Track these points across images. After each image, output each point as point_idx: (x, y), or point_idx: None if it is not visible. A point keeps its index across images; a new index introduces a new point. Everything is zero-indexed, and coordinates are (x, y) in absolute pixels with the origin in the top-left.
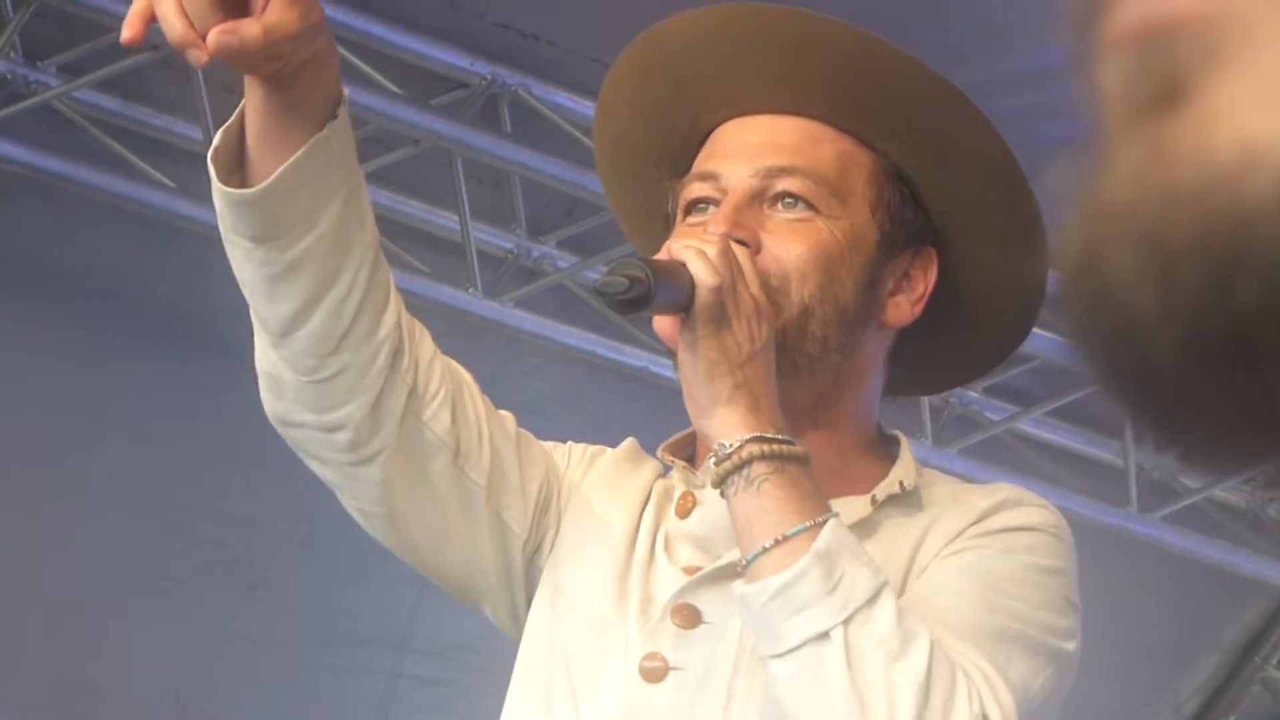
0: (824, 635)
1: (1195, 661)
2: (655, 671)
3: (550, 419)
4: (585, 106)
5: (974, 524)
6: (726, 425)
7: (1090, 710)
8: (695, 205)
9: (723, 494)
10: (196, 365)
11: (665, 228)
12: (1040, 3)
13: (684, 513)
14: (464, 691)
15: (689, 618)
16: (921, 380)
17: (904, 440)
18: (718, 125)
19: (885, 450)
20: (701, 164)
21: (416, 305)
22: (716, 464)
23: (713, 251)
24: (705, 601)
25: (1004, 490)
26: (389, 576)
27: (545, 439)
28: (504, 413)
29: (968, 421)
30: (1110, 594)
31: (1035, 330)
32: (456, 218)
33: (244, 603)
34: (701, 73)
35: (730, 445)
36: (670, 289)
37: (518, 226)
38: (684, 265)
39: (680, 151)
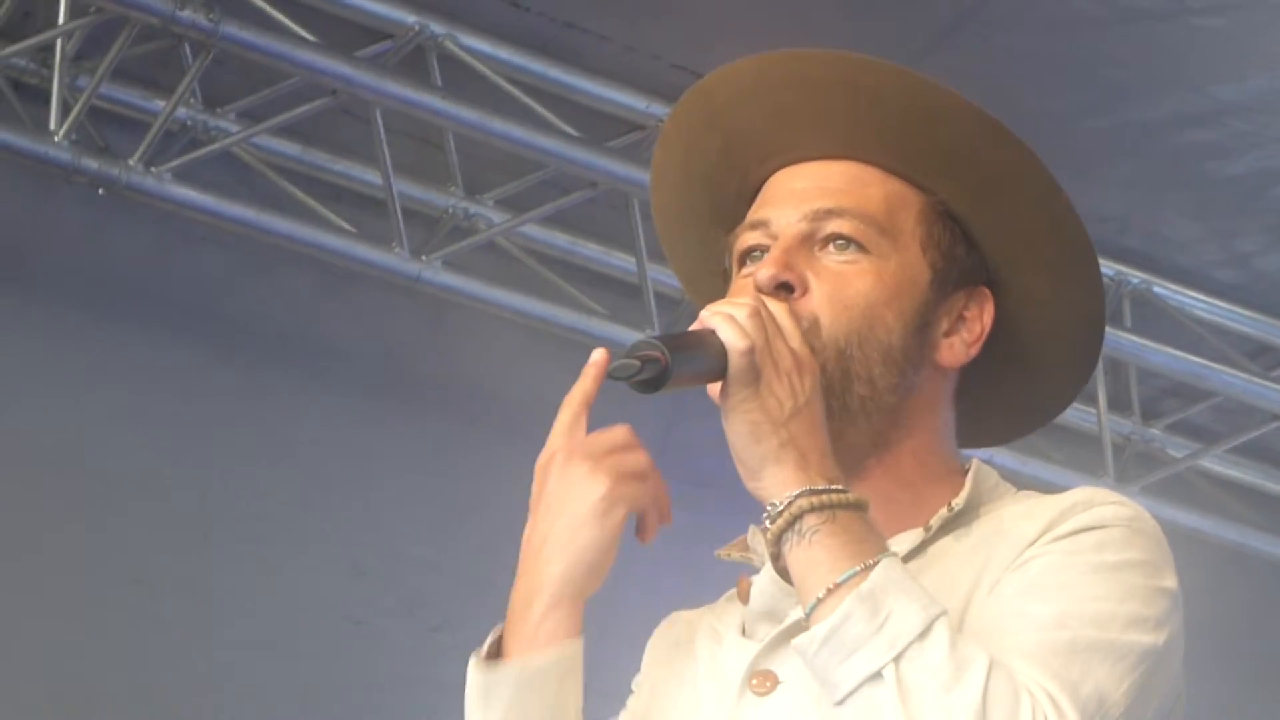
0: (877, 675)
1: None
2: None
3: (724, 459)
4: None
5: (1043, 534)
6: (776, 484)
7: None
8: (750, 254)
9: (780, 554)
10: (377, 409)
11: (725, 283)
12: (1215, 41)
13: (745, 597)
14: None
15: (765, 684)
16: (994, 426)
17: (975, 464)
18: (768, 176)
19: (958, 480)
20: (753, 213)
21: (594, 347)
22: (770, 523)
23: (742, 315)
24: (779, 664)
25: (1076, 494)
26: None
27: (716, 482)
28: None
29: (1149, 459)
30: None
31: (1216, 367)
32: (633, 259)
33: (426, 645)
34: (747, 126)
35: (780, 504)
36: (700, 358)
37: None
38: (714, 332)
39: (736, 208)
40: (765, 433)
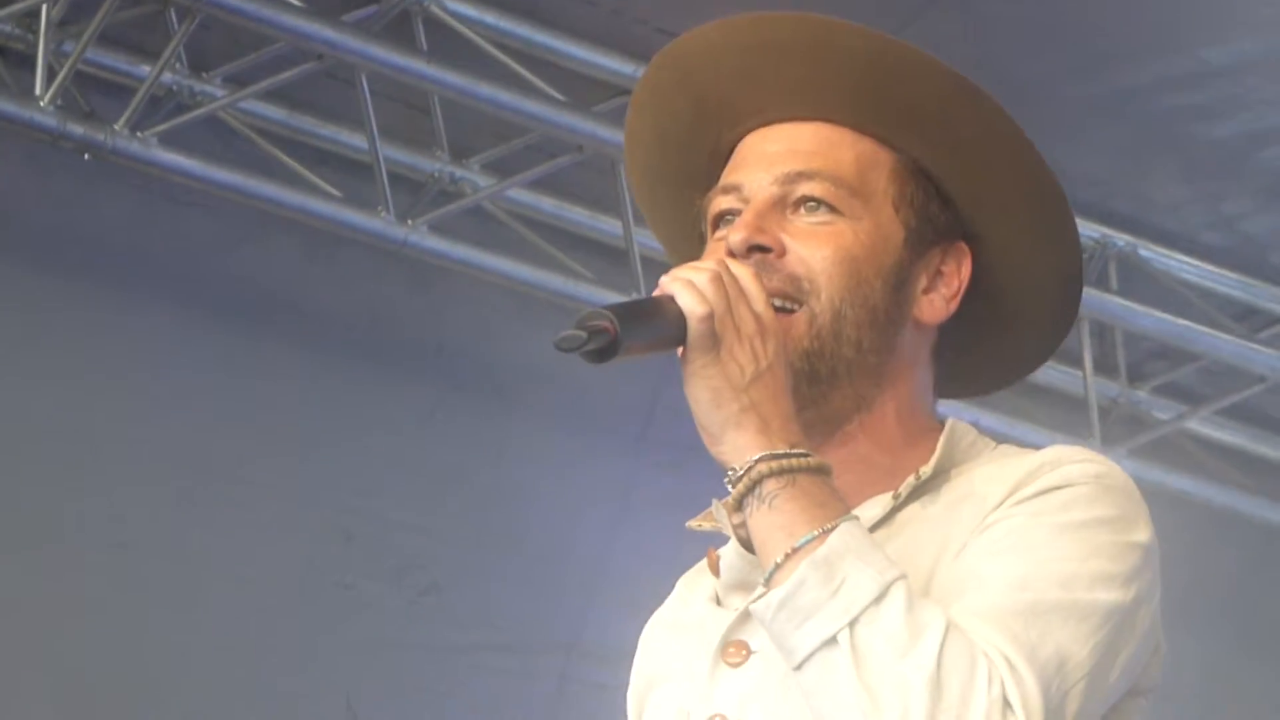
0: (831, 640)
1: None
2: None
3: None
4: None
5: (1009, 495)
6: (736, 449)
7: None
8: (722, 218)
9: (743, 520)
10: (363, 373)
11: (701, 246)
12: (1201, 4)
13: (716, 570)
14: None
15: (739, 653)
16: (972, 381)
17: (950, 424)
18: (740, 139)
19: (934, 441)
20: (725, 177)
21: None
22: (731, 487)
23: (702, 280)
24: (751, 634)
25: (1045, 454)
26: (558, 581)
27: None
28: None
29: (1136, 421)
30: (1260, 587)
31: (1202, 329)
32: (619, 223)
33: (415, 609)
34: (717, 90)
35: (740, 469)
36: (655, 324)
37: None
38: (673, 299)
39: (709, 171)
40: (726, 398)
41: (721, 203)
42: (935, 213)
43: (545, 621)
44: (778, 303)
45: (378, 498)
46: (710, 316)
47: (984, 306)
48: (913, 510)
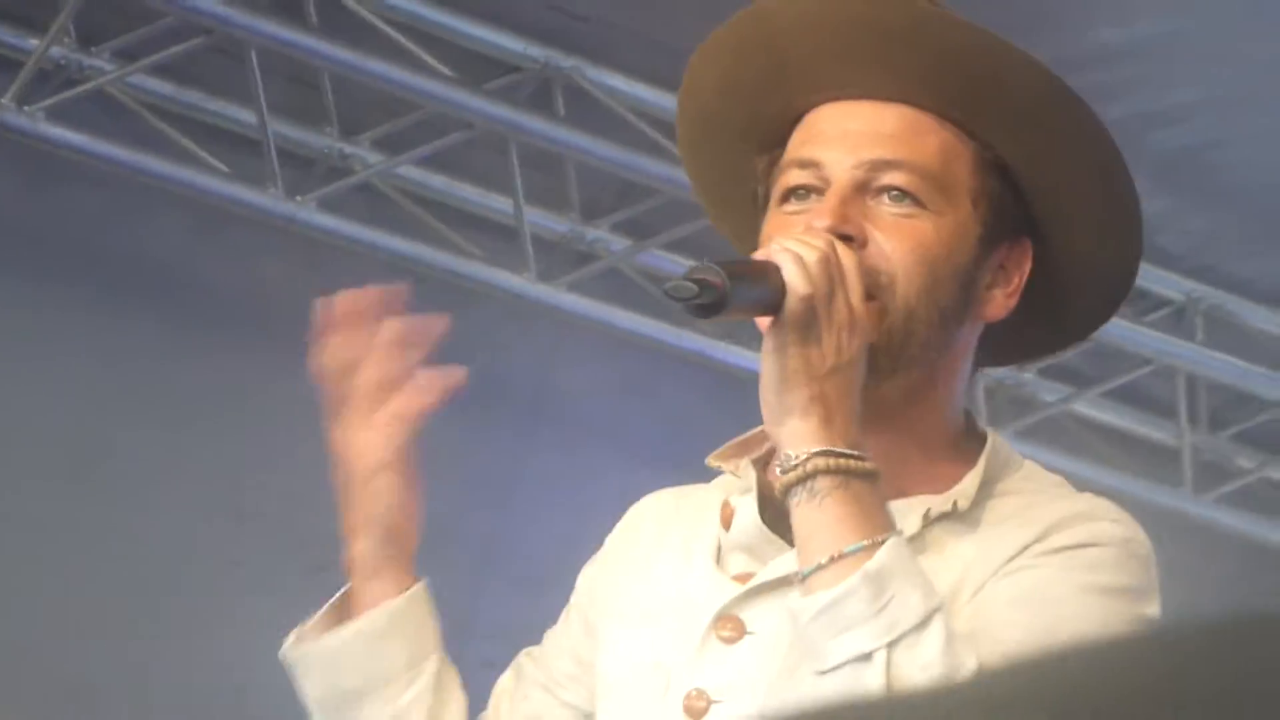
0: (866, 656)
1: None
2: (697, 711)
3: (605, 403)
4: (638, 89)
5: (1037, 540)
6: (796, 436)
7: None
8: (794, 192)
9: (787, 504)
10: (253, 349)
11: (752, 205)
12: None
13: (727, 523)
14: None
15: (733, 631)
16: (996, 359)
17: (991, 439)
18: (813, 106)
19: (972, 447)
20: (800, 149)
21: (471, 289)
22: (782, 473)
23: (812, 258)
24: (750, 613)
25: (1079, 502)
26: (448, 560)
27: (601, 428)
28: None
29: (1022, 403)
30: (1164, 577)
31: None
32: (511, 201)
33: (307, 588)
34: (806, 56)
35: (797, 456)
36: (758, 290)
37: (571, 210)
38: (779, 269)
39: (773, 128)
40: (800, 382)
41: (797, 176)
42: (1009, 208)
43: (436, 600)
44: None
45: (269, 475)
46: (811, 298)
47: (1032, 300)
48: (940, 531)
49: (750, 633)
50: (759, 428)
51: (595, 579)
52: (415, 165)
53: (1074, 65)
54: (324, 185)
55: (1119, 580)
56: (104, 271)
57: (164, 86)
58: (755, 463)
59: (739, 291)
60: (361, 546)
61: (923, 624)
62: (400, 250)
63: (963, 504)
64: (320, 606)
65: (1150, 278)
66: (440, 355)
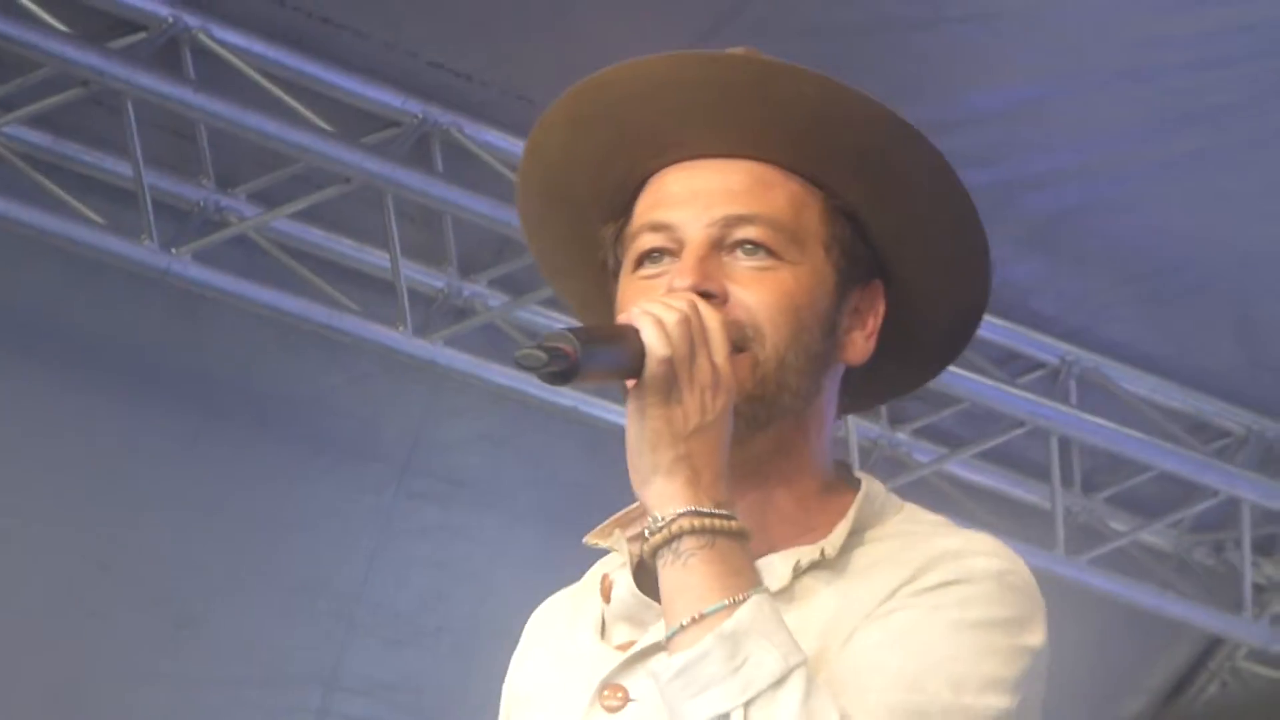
0: (724, 717)
1: (1121, 705)
2: None
3: (480, 457)
4: (517, 146)
5: (908, 582)
6: (662, 497)
7: None
8: (649, 256)
9: (652, 567)
10: (126, 401)
11: (601, 273)
12: (965, 49)
13: (607, 595)
14: None
15: (616, 697)
16: (854, 403)
17: (866, 484)
18: (657, 170)
19: (845, 495)
20: (650, 213)
21: (346, 343)
22: (649, 536)
23: (672, 319)
24: (632, 680)
25: (953, 540)
26: (316, 613)
27: (475, 482)
28: None
29: (896, 463)
30: None
31: (963, 373)
32: (388, 255)
33: (172, 641)
34: (647, 122)
35: (663, 518)
36: (617, 354)
37: (449, 265)
38: (638, 331)
39: (614, 196)
40: (664, 443)
41: (651, 240)
42: (860, 253)
43: (303, 654)
44: None
45: (135, 526)
46: (670, 360)
47: (885, 337)
48: (811, 581)
49: (633, 699)
50: (636, 503)
51: (506, 692)
52: (292, 218)
53: (945, 129)
54: (200, 237)
55: (992, 613)
56: None
57: (41, 137)
58: (621, 529)
59: (593, 358)
60: None
61: (779, 682)
62: (276, 303)
63: (829, 551)
64: (180, 664)
65: (1024, 340)
66: (313, 409)
